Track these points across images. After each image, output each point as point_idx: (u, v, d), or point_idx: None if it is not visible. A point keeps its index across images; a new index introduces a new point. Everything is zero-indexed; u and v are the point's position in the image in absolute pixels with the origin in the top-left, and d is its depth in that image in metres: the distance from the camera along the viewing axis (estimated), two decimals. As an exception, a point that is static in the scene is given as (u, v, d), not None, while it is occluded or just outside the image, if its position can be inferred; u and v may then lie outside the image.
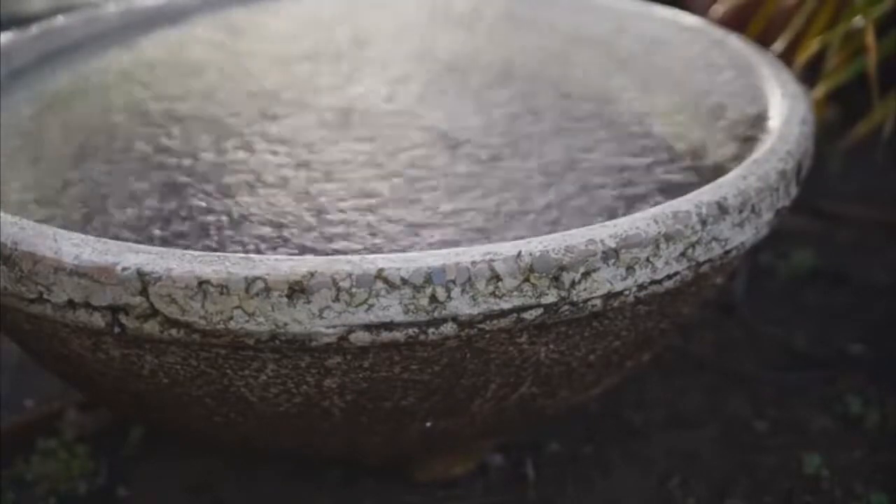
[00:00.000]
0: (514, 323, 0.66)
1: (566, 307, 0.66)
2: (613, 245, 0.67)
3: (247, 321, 0.63)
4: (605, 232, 0.67)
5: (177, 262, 0.64)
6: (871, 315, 1.07)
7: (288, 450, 0.84)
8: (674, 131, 0.89)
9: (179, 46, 1.08)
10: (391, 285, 0.63)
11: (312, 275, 0.63)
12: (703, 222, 0.70)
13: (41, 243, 0.66)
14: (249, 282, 0.63)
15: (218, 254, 0.64)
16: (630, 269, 0.67)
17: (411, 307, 0.64)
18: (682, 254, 0.69)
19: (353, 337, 0.64)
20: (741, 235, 0.73)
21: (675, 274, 0.70)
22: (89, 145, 0.88)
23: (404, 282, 0.63)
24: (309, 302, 0.63)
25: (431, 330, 0.65)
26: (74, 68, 1.02)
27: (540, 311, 0.66)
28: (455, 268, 0.64)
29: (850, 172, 1.25)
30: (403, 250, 0.73)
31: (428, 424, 0.75)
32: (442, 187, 0.81)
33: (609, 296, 0.67)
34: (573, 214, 0.77)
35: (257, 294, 0.63)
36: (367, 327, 0.64)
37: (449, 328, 0.65)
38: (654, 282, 0.69)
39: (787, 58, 1.06)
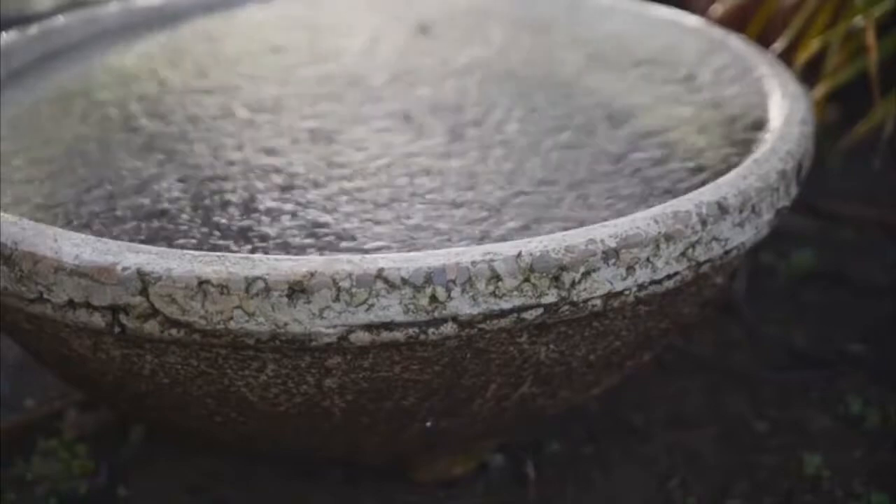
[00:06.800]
0: (514, 323, 0.66)
1: (566, 307, 0.66)
2: (613, 245, 0.67)
3: (247, 321, 0.63)
4: (605, 232, 0.67)
5: (177, 262, 0.64)
6: (871, 315, 1.07)
7: (288, 449, 0.84)
8: (674, 131, 0.89)
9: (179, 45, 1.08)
10: (391, 285, 0.63)
11: (312, 275, 0.63)
12: (704, 222, 0.70)
13: (41, 243, 0.66)
14: (249, 282, 0.63)
15: (218, 254, 0.65)
16: (630, 268, 0.67)
17: (411, 307, 0.64)
18: (683, 254, 0.69)
19: (353, 337, 0.64)
20: (741, 235, 0.73)
21: (676, 274, 0.70)
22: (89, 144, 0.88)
23: (404, 282, 0.63)
24: (309, 302, 0.63)
25: (432, 330, 0.65)
26: (74, 67, 1.02)
27: (540, 311, 0.66)
28: (455, 268, 0.64)
29: (850, 172, 1.25)
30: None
31: (428, 424, 0.75)
32: None
33: (609, 296, 0.67)
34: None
35: (257, 294, 0.63)
36: (368, 327, 0.64)
37: (449, 328, 0.65)
38: (654, 282, 0.69)
39: (787, 58, 1.06)
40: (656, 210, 0.70)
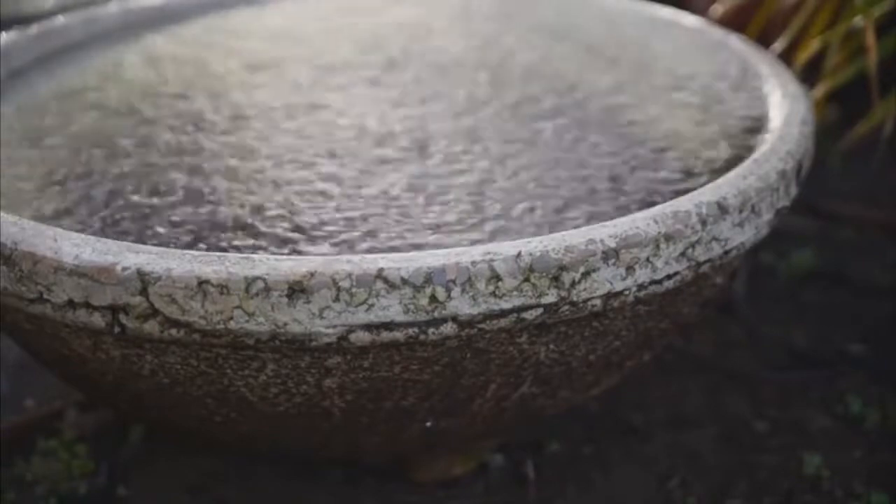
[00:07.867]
0: (514, 323, 0.66)
1: (566, 307, 0.66)
2: (613, 245, 0.67)
3: (247, 321, 0.63)
4: (605, 232, 0.67)
5: (177, 262, 0.64)
6: (871, 315, 1.08)
7: (288, 449, 0.84)
8: (675, 131, 0.89)
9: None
10: (391, 285, 0.63)
11: (312, 275, 0.63)
12: (703, 222, 0.70)
13: (41, 243, 0.66)
14: (249, 282, 0.63)
15: (218, 254, 0.65)
16: (630, 268, 0.67)
17: (411, 307, 0.64)
18: (682, 254, 0.69)
19: (353, 337, 0.64)
20: (741, 235, 0.73)
21: (675, 274, 0.70)
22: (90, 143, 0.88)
23: (404, 282, 0.63)
24: (309, 302, 0.63)
25: (431, 330, 0.65)
26: (74, 67, 1.02)
27: (540, 311, 0.66)
28: (455, 268, 0.64)
29: (850, 172, 1.25)
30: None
31: (428, 424, 0.75)
32: None
33: (609, 296, 0.67)
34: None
35: (257, 294, 0.63)
36: (367, 327, 0.64)
37: (449, 328, 0.65)
38: (654, 282, 0.69)
39: (787, 58, 1.06)
40: (656, 210, 0.70)
